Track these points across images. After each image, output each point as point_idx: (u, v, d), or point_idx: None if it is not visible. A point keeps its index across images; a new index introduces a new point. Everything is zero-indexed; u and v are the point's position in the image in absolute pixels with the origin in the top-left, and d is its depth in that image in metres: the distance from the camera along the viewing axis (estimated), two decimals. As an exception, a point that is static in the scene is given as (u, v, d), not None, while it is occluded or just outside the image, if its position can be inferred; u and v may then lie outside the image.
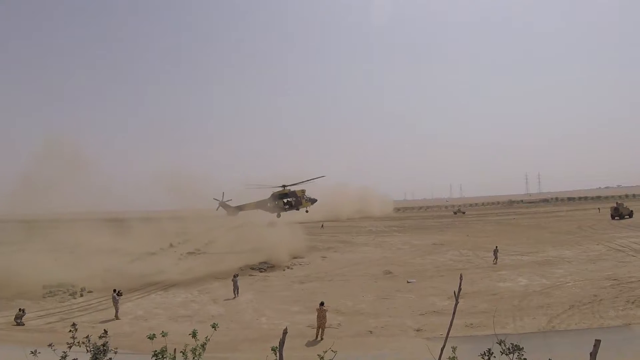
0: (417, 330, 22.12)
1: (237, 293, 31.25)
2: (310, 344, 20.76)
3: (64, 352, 5.94)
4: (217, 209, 66.26)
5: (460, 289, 8.18)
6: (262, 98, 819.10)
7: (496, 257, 40.58)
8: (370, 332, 22.30)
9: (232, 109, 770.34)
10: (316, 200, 68.55)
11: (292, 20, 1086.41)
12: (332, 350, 5.59)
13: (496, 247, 42.40)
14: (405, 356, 18.34)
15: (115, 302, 26.76)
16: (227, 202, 65.24)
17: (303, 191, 65.39)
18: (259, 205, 65.28)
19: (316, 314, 22.19)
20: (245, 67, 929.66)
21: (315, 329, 21.95)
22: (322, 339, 21.45)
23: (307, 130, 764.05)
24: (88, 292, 32.76)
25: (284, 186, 64.39)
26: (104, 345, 6.25)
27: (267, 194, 65.23)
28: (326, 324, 21.99)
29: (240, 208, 65.67)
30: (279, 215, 63.02)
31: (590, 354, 6.40)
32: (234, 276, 32.08)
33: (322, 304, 22.47)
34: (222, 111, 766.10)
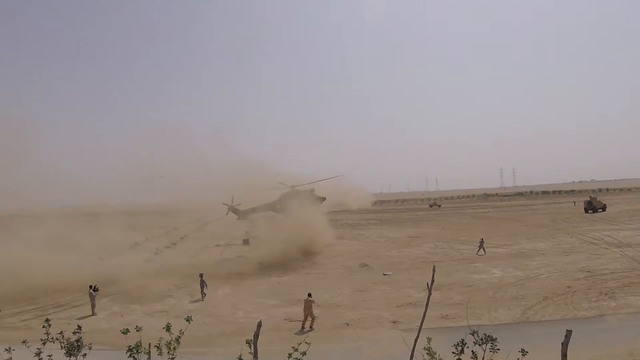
0: (394, 322, 22.28)
1: (205, 292, 29.87)
2: (287, 337, 20.75)
3: (38, 349, 5.90)
4: (226, 214, 66.14)
5: (433, 281, 8.33)
6: (239, 93, 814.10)
7: (483, 249, 41.11)
8: (347, 324, 22.39)
9: (215, 104, 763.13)
10: (325, 199, 68.31)
11: (274, 15, 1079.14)
12: (305, 342, 5.64)
13: (482, 239, 42.88)
14: (382, 348, 18.50)
15: (92, 298, 26.43)
16: (236, 207, 65.01)
17: (312, 190, 65.23)
18: (269, 207, 65.01)
19: (303, 305, 22.39)
20: (225, 64, 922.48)
21: (302, 321, 22.18)
22: (303, 328, 21.83)
23: (283, 125, 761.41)
24: (63, 288, 32.14)
25: (293, 186, 64.21)
26: (77, 341, 6.21)
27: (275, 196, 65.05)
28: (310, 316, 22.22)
29: (250, 211, 65.43)
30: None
31: (562, 343, 6.57)
32: (200, 275, 30.40)
33: (309, 295, 22.73)
34: (207, 107, 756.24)
